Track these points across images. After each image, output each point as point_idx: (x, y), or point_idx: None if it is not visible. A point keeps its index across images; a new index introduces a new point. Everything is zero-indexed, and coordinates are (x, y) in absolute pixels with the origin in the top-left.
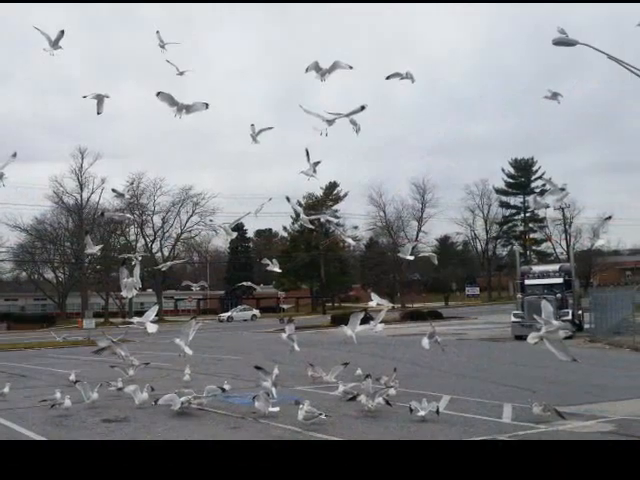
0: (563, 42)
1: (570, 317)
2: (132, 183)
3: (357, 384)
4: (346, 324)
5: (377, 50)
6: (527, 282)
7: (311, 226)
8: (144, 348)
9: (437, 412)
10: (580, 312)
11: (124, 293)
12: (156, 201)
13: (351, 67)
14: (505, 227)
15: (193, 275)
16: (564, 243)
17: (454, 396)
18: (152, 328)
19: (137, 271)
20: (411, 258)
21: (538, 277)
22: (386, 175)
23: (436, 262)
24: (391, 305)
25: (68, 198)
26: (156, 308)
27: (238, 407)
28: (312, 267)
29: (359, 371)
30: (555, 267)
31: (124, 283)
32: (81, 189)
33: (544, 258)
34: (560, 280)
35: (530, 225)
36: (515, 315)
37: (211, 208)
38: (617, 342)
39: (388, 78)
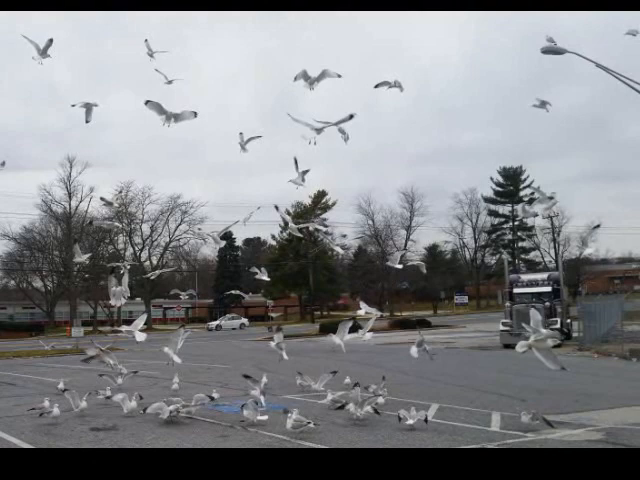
0: (552, 51)
1: (559, 325)
2: (121, 192)
3: (346, 392)
4: (335, 333)
5: (367, 58)
6: (515, 291)
7: (300, 235)
8: (132, 357)
9: (426, 421)
10: (569, 321)
11: (113, 302)
12: (145, 210)
13: (340, 75)
14: (493, 236)
15: (182, 284)
16: (553, 252)
17: (442, 404)
18: (141, 337)
19: (126, 280)
20: (400, 267)
21: (526, 286)
22: (375, 183)
23: (425, 271)
24: (380, 313)
25: (57, 207)
26: (145, 317)
27: (227, 415)
28: (301, 276)
29: (348, 379)
30: (544, 276)
31: (113, 292)
32: (70, 198)
33: (533, 267)
34: (549, 289)
35: (519, 234)
36: (503, 324)
37: (199, 217)
38: (606, 350)
39: (377, 86)
